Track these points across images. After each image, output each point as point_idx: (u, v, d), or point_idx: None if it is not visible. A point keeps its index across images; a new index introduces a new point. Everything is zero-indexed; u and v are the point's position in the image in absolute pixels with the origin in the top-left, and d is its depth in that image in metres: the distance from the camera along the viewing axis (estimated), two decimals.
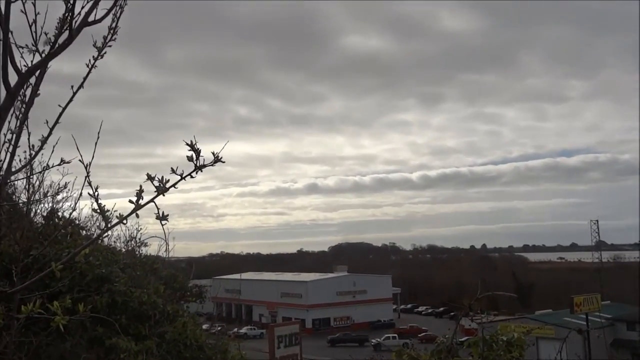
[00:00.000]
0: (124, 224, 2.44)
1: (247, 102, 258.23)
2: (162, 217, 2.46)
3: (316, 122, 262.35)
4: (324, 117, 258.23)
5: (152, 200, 2.46)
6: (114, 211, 2.84)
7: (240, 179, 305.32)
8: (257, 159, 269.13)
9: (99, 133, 2.90)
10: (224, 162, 2.53)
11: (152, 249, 12.16)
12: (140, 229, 11.73)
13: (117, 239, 11.40)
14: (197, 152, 2.49)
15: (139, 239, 11.78)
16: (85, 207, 10.30)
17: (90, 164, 2.70)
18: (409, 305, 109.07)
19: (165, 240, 8.96)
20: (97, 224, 11.82)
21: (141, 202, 2.44)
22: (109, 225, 2.47)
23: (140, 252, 11.53)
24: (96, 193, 2.53)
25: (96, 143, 2.88)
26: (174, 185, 2.48)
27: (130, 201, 2.43)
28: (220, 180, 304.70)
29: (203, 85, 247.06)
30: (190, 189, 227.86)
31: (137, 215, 2.48)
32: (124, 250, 11.35)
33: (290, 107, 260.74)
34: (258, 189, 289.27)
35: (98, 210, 2.49)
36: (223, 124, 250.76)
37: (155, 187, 2.46)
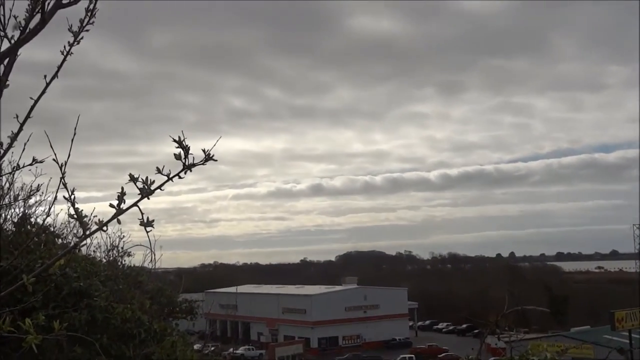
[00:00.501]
0: (105, 231, 2.45)
1: (243, 92, 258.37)
2: (147, 223, 2.47)
3: (321, 114, 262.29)
4: (330, 109, 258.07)
5: (135, 204, 2.47)
6: (93, 216, 2.86)
7: (235, 179, 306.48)
8: (254, 157, 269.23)
9: (75, 129, 2.90)
10: (216, 160, 2.53)
11: (137, 259, 12.23)
12: (123, 236, 11.80)
13: (96, 248, 11.47)
14: (186, 149, 2.50)
15: (122, 248, 11.85)
16: (61, 212, 10.34)
17: (66, 164, 2.71)
18: (427, 322, 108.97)
19: (151, 250, 8.96)
20: (74, 231, 11.87)
21: (123, 206, 2.45)
22: (88, 233, 2.48)
23: (123, 262, 11.59)
24: (73, 196, 2.55)
25: (72, 140, 2.89)
26: (160, 187, 2.49)
27: (112, 205, 2.45)
28: (212, 181, 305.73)
29: (193, 73, 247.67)
30: (179, 191, 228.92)
31: (119, 221, 2.50)
32: (104, 260, 11.41)
33: (291, 97, 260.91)
34: (256, 191, 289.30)
35: (75, 216, 2.50)
36: (215, 117, 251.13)
37: (139, 189, 2.47)
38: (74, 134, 2.88)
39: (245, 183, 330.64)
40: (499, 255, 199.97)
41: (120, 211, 2.42)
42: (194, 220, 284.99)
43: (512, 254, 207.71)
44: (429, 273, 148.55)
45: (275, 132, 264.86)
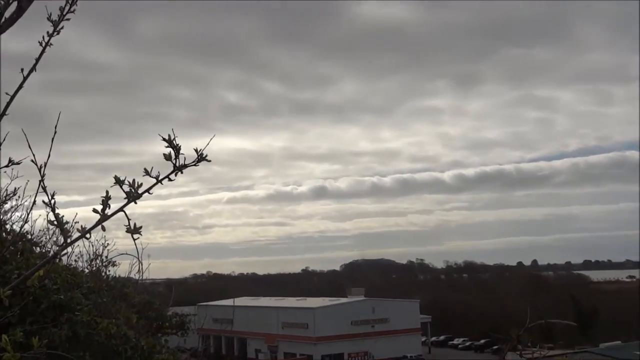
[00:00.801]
0: (87, 238, 2.45)
1: (239, 86, 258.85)
2: (134, 230, 2.47)
3: (324, 110, 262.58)
4: (334, 104, 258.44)
5: (121, 209, 2.48)
6: (75, 223, 2.86)
7: (230, 181, 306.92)
8: (251, 157, 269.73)
9: (56, 126, 2.91)
10: (210, 160, 2.54)
11: (122, 269, 12.25)
12: (107, 244, 11.83)
13: (78, 258, 11.50)
14: (177, 148, 2.50)
15: (106, 257, 11.88)
16: (40, 218, 10.36)
17: (45, 165, 2.72)
18: (441, 337, 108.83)
19: (139, 259, 8.95)
20: (54, 238, 11.90)
21: (108, 211, 2.46)
22: (69, 241, 2.48)
23: (108, 273, 11.62)
24: (53, 201, 2.55)
25: (53, 139, 2.89)
26: (148, 190, 2.49)
27: (95, 210, 2.45)
28: (205, 183, 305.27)
29: (184, 66, 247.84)
30: (168, 194, 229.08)
31: (104, 228, 2.50)
32: (87, 271, 11.43)
33: (291, 91, 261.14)
34: (253, 194, 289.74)
35: (55, 222, 2.50)
36: (209, 113, 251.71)
37: (126, 192, 2.47)
38: (55, 132, 2.89)
39: (242, 185, 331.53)
40: (520, 263, 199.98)
41: (104, 217, 2.42)
42: (185, 226, 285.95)
43: (534, 262, 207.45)
44: (443, 283, 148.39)
45: (274, 130, 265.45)
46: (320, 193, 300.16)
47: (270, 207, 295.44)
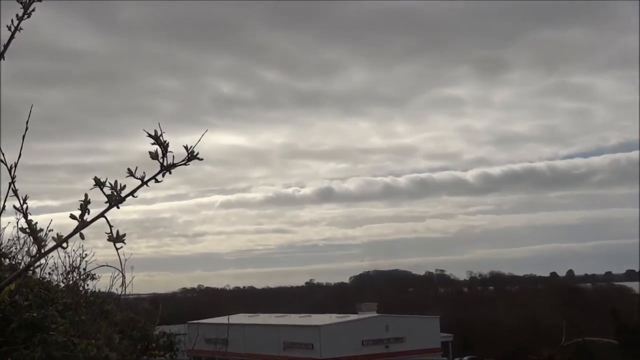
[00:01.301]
0: (64, 248, 2.47)
1: (233, 74, 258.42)
2: (116, 238, 2.49)
3: (330, 101, 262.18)
4: (341, 94, 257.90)
5: (102, 215, 2.49)
6: (49, 231, 2.87)
7: (224, 182, 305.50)
8: (247, 155, 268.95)
9: (27, 122, 2.93)
10: (201, 159, 2.54)
11: (103, 283, 12.27)
12: (86, 255, 11.85)
13: (52, 270, 11.51)
14: (165, 145, 2.50)
15: (84, 269, 11.90)
16: (8, 226, 10.39)
17: (16, 166, 2.74)
18: (465, 358, 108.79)
19: (122, 272, 8.95)
20: (26, 248, 11.95)
21: (87, 217, 2.47)
22: (44, 251, 2.50)
23: (86, 287, 11.63)
24: (25, 205, 2.57)
25: (24, 136, 2.92)
26: (132, 193, 2.51)
27: (73, 216, 2.46)
28: (196, 185, 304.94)
29: (171, 52, 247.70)
30: (154, 198, 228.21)
31: (82, 236, 2.51)
32: (62, 285, 11.46)
33: (293, 80, 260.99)
34: (250, 197, 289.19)
35: (28, 230, 2.52)
36: (199, 106, 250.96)
37: (107, 196, 2.48)
38: (26, 129, 2.91)
39: (237, 187, 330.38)
40: (553, 274, 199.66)
41: (83, 223, 2.43)
42: (173, 234, 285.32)
43: (570, 272, 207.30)
44: (467, 297, 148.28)
45: (273, 124, 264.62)
46: (326, 196, 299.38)
47: (269, 212, 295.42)
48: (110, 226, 2.50)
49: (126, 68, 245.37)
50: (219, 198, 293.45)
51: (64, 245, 2.49)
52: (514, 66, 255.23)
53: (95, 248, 12.10)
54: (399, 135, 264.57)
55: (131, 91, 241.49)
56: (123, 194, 2.54)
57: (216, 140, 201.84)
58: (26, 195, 2.55)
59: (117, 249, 2.52)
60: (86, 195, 2.51)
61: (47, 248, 2.50)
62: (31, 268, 2.49)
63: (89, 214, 2.52)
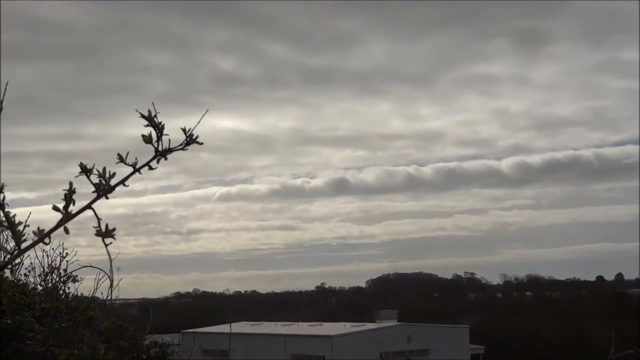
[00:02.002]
0: (46, 244, 2.48)
1: (233, 48, 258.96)
2: (105, 233, 2.50)
3: (345, 79, 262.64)
4: (358, 72, 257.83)
5: (89, 206, 2.49)
6: (26, 226, 2.89)
7: (223, 172, 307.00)
8: (250, 141, 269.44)
9: (2, 102, 2.95)
10: (201, 143, 2.54)
11: (86, 286, 12.33)
12: (67, 254, 11.91)
13: (29, 271, 11.59)
14: (160, 127, 2.50)
15: (64, 270, 11.96)
16: None
17: None
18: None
19: (107, 274, 8.93)
20: (7, 244, 11.99)
21: (72, 209, 2.48)
22: (23, 247, 2.51)
23: (67, 291, 11.68)
24: (2, 196, 2.58)
25: None
26: (123, 182, 2.51)
27: (56, 208, 2.46)
28: (191, 175, 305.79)
29: (162, 23, 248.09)
30: (143, 190, 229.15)
31: (67, 230, 2.52)
32: (40, 288, 11.53)
33: (302, 55, 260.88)
34: (253, 189, 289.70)
35: (6, 223, 2.53)
36: (195, 84, 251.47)
37: (95, 184, 2.49)
38: (0, 109, 2.93)
39: (238, 178, 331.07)
40: (600, 278, 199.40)
41: (68, 216, 2.43)
42: (165, 231, 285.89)
43: (619, 275, 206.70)
44: (501, 304, 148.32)
45: (279, 105, 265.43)
46: (340, 188, 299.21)
47: (275, 206, 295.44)
48: (99, 219, 2.50)
49: (111, 41, 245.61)
50: (218, 190, 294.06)
51: (46, 240, 2.51)
52: (556, 39, 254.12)
53: (77, 247, 12.17)
54: (424, 118, 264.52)
55: (117, 68, 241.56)
56: (113, 182, 2.54)
57: (214, 123, 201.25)
58: (3, 184, 2.56)
59: (106, 244, 2.52)
60: (71, 184, 2.51)
61: (27, 244, 2.51)
62: (10, 266, 2.50)
63: (74, 205, 2.53)
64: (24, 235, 2.52)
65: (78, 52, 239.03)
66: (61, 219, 2.51)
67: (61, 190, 2.58)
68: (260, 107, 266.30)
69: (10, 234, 2.56)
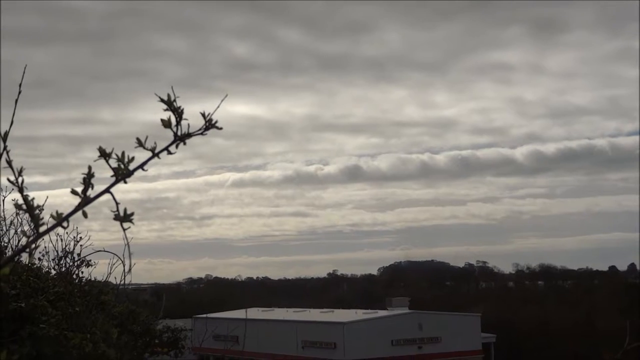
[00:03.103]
0: (64, 227, 2.48)
1: (248, 34, 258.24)
2: (124, 217, 2.49)
3: (359, 65, 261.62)
4: (372, 58, 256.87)
5: (107, 190, 2.49)
6: (41, 209, 2.89)
7: (236, 158, 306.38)
8: (264, 127, 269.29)
9: (21, 85, 2.95)
10: (220, 128, 2.55)
11: (99, 270, 12.38)
12: (80, 238, 11.95)
13: (43, 255, 11.63)
14: (179, 112, 2.51)
15: (78, 254, 12.01)
16: None
17: (7, 135, 2.75)
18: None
19: (122, 260, 8.94)
20: (19, 228, 12.07)
21: (91, 192, 2.47)
22: (41, 231, 2.51)
23: (81, 275, 11.74)
24: (20, 179, 2.58)
25: (17, 100, 2.93)
26: (142, 166, 2.50)
27: (74, 192, 2.47)
28: (204, 160, 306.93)
29: (176, 8, 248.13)
30: (157, 175, 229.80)
31: (85, 214, 2.52)
32: (54, 272, 11.57)
33: (317, 41, 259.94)
34: (266, 175, 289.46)
35: (24, 206, 2.53)
36: (209, 69, 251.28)
37: (113, 169, 2.49)
38: (19, 92, 2.92)
39: (251, 164, 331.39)
40: (612, 268, 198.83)
41: (86, 199, 2.43)
42: (177, 216, 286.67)
43: (632, 266, 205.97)
44: (513, 293, 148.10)
45: (293, 92, 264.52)
46: (353, 175, 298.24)
47: (288, 193, 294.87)
48: (117, 203, 2.50)
49: (125, 26, 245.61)
50: (231, 176, 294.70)
51: (64, 224, 2.51)
52: (572, 27, 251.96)
53: (90, 231, 12.21)
54: (439, 106, 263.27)
55: (131, 53, 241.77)
56: (131, 167, 2.54)
57: (228, 109, 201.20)
58: (22, 168, 2.57)
59: (124, 229, 2.52)
60: (89, 168, 2.52)
61: (47, 226, 2.51)
62: (30, 249, 2.50)
63: (92, 189, 2.53)
64: (42, 218, 2.53)
65: (93, 36, 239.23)
66: (80, 203, 2.51)
67: (75, 175, 2.59)
68: (274, 93, 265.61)
69: (27, 217, 2.57)
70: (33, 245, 2.51)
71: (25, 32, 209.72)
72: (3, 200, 12.23)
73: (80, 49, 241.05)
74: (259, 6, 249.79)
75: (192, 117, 2.72)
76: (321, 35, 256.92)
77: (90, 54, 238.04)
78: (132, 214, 2.45)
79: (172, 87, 2.51)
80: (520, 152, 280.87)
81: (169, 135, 2.67)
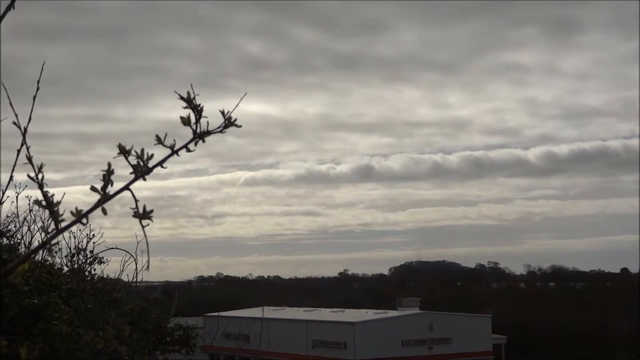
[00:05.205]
0: (84, 224, 2.49)
1: (262, 32, 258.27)
2: (143, 214, 2.50)
3: (373, 65, 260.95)
4: (386, 58, 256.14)
5: (127, 187, 2.50)
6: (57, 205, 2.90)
7: (249, 157, 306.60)
8: (276, 126, 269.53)
9: (39, 81, 2.96)
10: (240, 126, 2.56)
11: (111, 268, 12.43)
12: (93, 235, 12.00)
13: (56, 252, 11.66)
14: (199, 110, 2.52)
15: (91, 251, 12.06)
16: (7, 200, 10.52)
17: (26, 131, 2.77)
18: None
19: (134, 257, 8.95)
20: (34, 224, 12.12)
21: (110, 189, 2.48)
22: (61, 227, 2.52)
23: (93, 272, 11.79)
24: (40, 175, 2.59)
25: (35, 97, 2.95)
26: (161, 164, 2.51)
27: (94, 188, 2.48)
28: (217, 159, 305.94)
29: (191, 5, 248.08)
30: (169, 173, 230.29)
31: (105, 211, 2.54)
32: (66, 269, 11.63)
33: (330, 40, 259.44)
34: (278, 174, 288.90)
35: (44, 203, 2.54)
36: (223, 68, 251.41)
37: (132, 166, 2.50)
38: (37, 88, 2.94)
39: (263, 163, 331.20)
40: (625, 270, 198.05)
41: (106, 197, 2.44)
42: (189, 214, 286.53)
43: None
44: (524, 294, 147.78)
45: (306, 91, 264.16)
46: (365, 174, 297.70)
47: (299, 192, 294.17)
48: (136, 200, 2.51)
49: (139, 24, 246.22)
50: (243, 174, 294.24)
51: (84, 221, 2.52)
52: (588, 28, 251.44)
53: (103, 228, 12.26)
54: (452, 106, 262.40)
55: (145, 50, 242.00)
56: (151, 164, 2.55)
57: (240, 108, 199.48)
58: (42, 164, 2.58)
59: (143, 226, 2.53)
60: (109, 165, 2.53)
61: (66, 223, 2.52)
62: (49, 245, 2.51)
63: (112, 185, 2.55)
64: (61, 215, 2.54)
65: (107, 33, 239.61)
66: (99, 200, 2.52)
67: (88, 172, 2.59)
68: (287, 92, 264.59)
69: (44, 214, 2.57)
70: (53, 242, 2.52)
71: (39, 28, 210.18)
72: (17, 197, 12.29)
73: (94, 46, 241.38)
74: (273, 5, 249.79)
75: (207, 115, 2.73)
76: (335, 34, 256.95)
77: (104, 51, 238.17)
78: (152, 211, 2.45)
79: (191, 85, 2.53)
80: (533, 153, 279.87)
81: (182, 133, 2.69)
